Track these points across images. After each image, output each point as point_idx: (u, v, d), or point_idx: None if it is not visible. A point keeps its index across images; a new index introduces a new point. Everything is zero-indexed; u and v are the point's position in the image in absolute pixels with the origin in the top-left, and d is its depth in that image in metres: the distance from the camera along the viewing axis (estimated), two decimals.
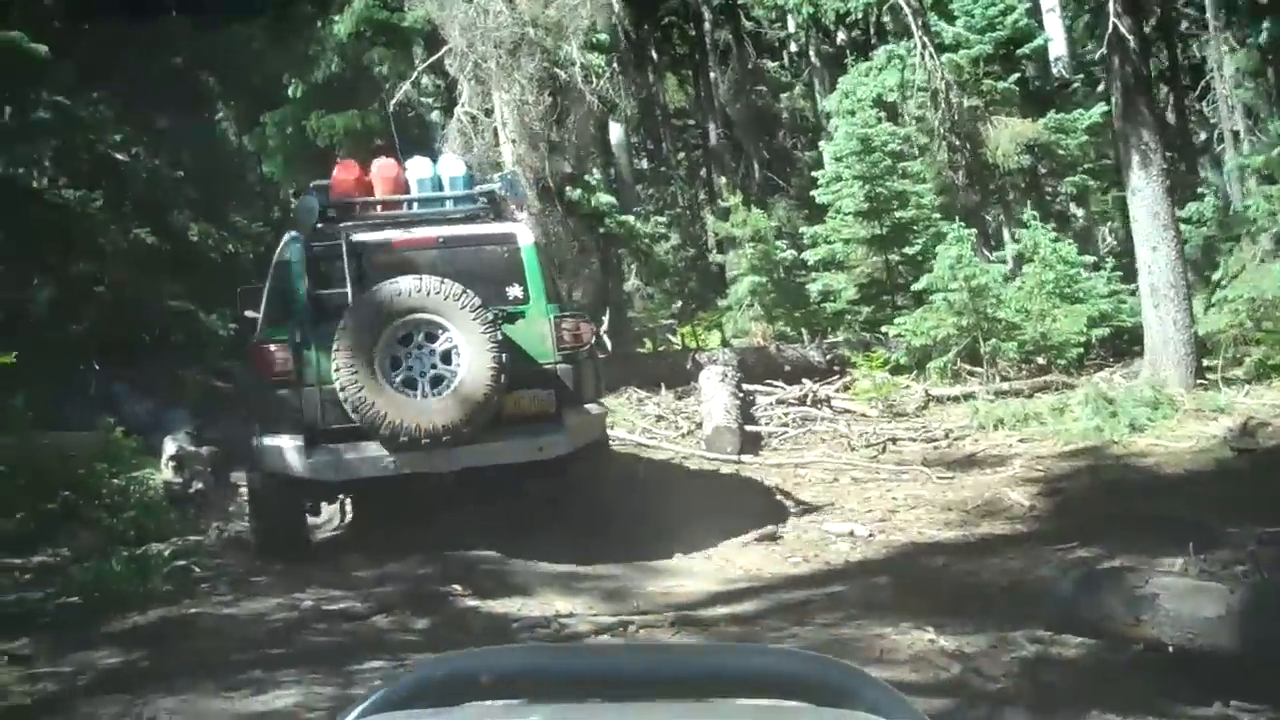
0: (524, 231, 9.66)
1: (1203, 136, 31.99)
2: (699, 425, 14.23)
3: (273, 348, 8.83)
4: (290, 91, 18.53)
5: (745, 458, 13.06)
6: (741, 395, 14.93)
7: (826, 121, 27.05)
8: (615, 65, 17.34)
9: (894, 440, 13.85)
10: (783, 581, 8.74)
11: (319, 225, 9.33)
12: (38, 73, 17.49)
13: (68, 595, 8.32)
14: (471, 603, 8.09)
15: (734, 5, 30.59)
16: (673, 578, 8.95)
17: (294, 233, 9.35)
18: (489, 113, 16.02)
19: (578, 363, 9.26)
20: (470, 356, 8.55)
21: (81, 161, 20.04)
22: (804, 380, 16.33)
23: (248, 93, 22.25)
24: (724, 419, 13.57)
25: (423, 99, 17.89)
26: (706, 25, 31.21)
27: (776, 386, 16.20)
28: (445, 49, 15.99)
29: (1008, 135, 21.29)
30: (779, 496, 11.46)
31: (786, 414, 15.14)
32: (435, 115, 18.69)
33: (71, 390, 16.54)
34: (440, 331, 8.64)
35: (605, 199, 18.47)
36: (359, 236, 9.15)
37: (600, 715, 2.04)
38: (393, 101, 16.88)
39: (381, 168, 9.96)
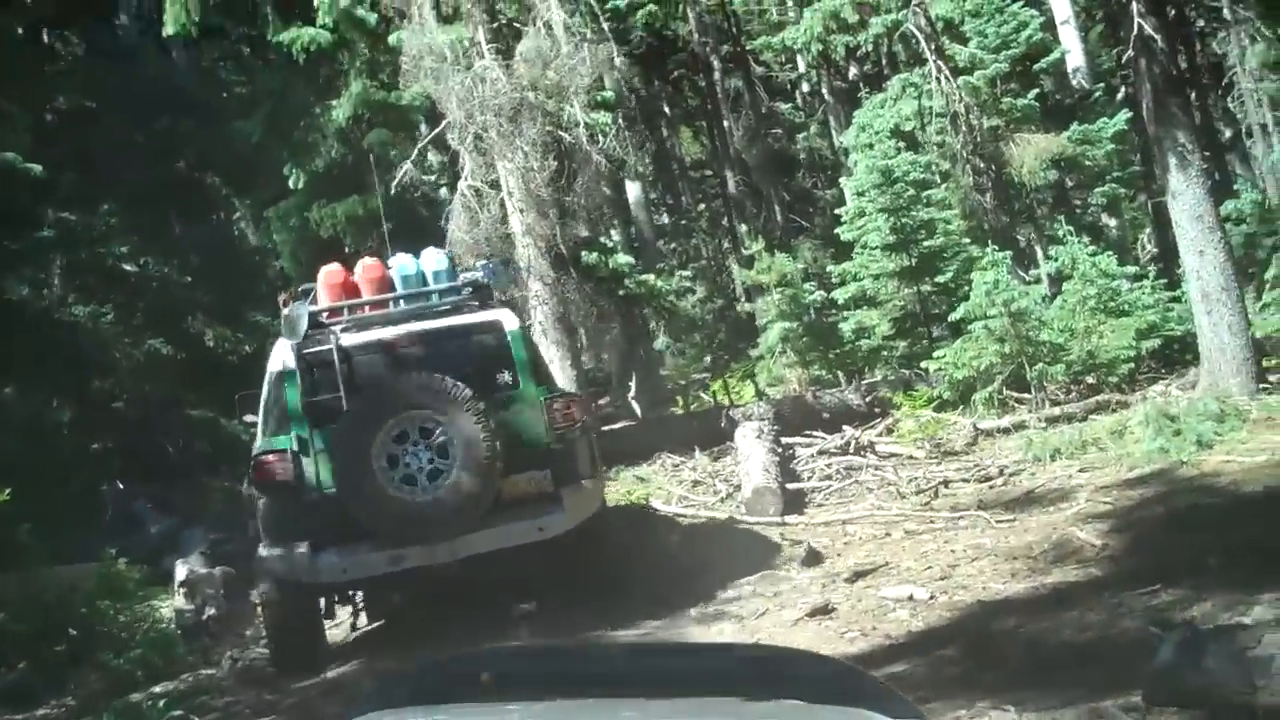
0: (509, 317, 9.63)
1: (1228, 133, 31.11)
2: (738, 488, 13.30)
3: (272, 458, 8.85)
4: (291, 183, 17.84)
5: (789, 518, 12.09)
6: (780, 450, 13.99)
7: (845, 157, 26.43)
8: (621, 122, 16.46)
9: (946, 483, 12.74)
10: None
11: (309, 332, 9.14)
12: (37, 189, 16.94)
13: None
14: None
15: (743, 52, 30.00)
16: None
17: (284, 340, 9.21)
18: (494, 184, 15.23)
19: (571, 441, 9.34)
20: (465, 448, 8.62)
21: (89, 276, 19.50)
22: (845, 427, 15.30)
23: (254, 189, 21.74)
24: (763, 479, 12.63)
25: (426, 177, 17.09)
26: (716, 75, 30.53)
27: (816, 437, 15.17)
28: (444, 123, 15.25)
29: (1032, 152, 20.71)
30: (829, 561, 10.37)
31: (829, 465, 14.05)
32: (444, 192, 17.87)
33: (90, 514, 15.92)
34: (434, 426, 8.70)
35: (623, 260, 17.62)
36: (349, 339, 9.16)
37: (599, 714, 1.99)
38: (394, 183, 16.17)
39: (366, 269, 9.88)
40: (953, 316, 16.83)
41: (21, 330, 17.19)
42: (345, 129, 17.04)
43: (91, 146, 19.69)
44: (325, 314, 9.40)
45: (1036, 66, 21.81)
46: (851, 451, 14.37)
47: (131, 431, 19.28)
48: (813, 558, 10.36)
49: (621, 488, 14.12)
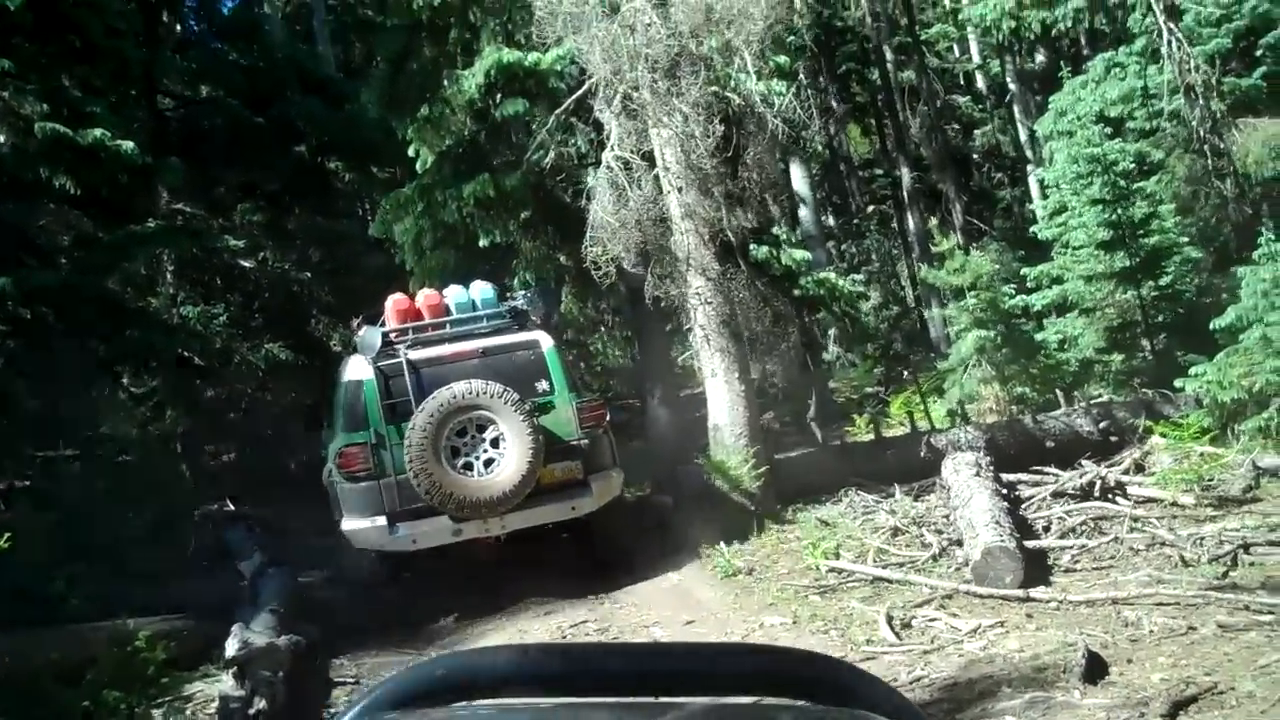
0: (545, 337, 10.77)
1: None
2: (955, 542, 9.71)
3: (354, 449, 10.10)
4: (418, 165, 14.65)
5: (1035, 591, 8.48)
6: (1005, 492, 10.38)
7: (1032, 150, 22.74)
8: (803, 79, 12.93)
9: (1245, 547, 8.83)
10: None
11: (381, 348, 10.39)
12: (139, 175, 14.09)
13: None
14: None
15: (917, 42, 26.35)
16: None
17: (357, 355, 10.51)
18: (647, 157, 11.83)
19: (596, 438, 10.54)
20: (514, 441, 9.89)
21: (202, 273, 16.61)
22: (1082, 461, 11.58)
23: (380, 175, 18.76)
24: (993, 535, 8.94)
25: (568, 150, 13.56)
26: (889, 66, 26.91)
27: (1045, 473, 11.50)
28: (588, 83, 11.89)
29: (1259, 139, 17.18)
30: (1117, 671, 6.64)
31: (1069, 513, 10.30)
32: (589, 175, 14.40)
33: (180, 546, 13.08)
34: (489, 424, 9.97)
35: (799, 255, 14.10)
36: (415, 354, 10.41)
37: (597, 715, 1.81)
38: (527, 157, 12.97)
39: (426, 297, 11.26)
40: (1217, 322, 12.74)
41: (125, 333, 14.37)
42: (477, 100, 13.68)
43: (203, 130, 16.90)
44: (394, 334, 10.66)
45: (1262, 42, 18.03)
46: (1097, 495, 10.61)
47: (250, 445, 16.46)
48: (1095, 667, 6.69)
49: (803, 536, 10.67)
